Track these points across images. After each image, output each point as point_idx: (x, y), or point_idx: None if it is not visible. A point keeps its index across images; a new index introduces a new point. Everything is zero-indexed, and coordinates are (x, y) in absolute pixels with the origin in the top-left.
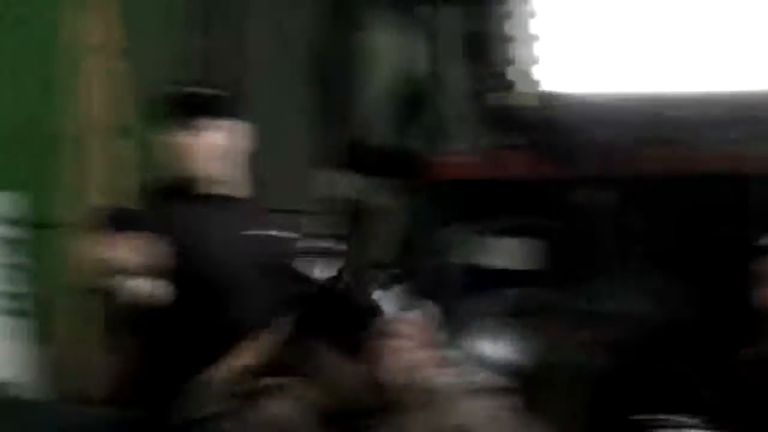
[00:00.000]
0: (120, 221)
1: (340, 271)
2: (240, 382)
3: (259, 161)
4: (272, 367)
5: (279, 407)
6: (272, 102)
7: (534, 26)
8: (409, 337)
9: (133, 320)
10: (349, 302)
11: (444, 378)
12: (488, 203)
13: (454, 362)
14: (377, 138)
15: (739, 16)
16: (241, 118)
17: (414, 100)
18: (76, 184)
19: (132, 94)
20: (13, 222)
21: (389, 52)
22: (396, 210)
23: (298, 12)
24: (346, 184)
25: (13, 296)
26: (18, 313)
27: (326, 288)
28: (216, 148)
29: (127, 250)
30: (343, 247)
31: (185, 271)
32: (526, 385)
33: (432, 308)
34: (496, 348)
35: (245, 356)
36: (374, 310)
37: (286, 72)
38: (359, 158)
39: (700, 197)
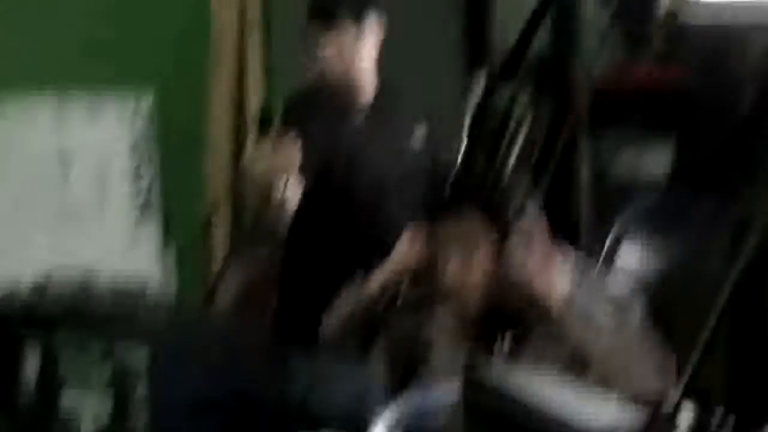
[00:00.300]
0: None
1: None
2: (371, 306)
3: (399, 64)
4: (419, 276)
5: (411, 324)
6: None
7: None
8: (543, 242)
9: (271, 231)
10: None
11: (576, 288)
12: (626, 115)
13: (579, 277)
14: (520, 43)
15: None
16: (376, 14)
17: (554, 5)
18: (214, 84)
19: None
20: (148, 122)
21: None
22: (532, 117)
23: None
24: (482, 88)
25: (147, 200)
26: (147, 212)
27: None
28: (356, 48)
29: (277, 156)
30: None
31: (330, 186)
32: (662, 298)
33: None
34: (631, 257)
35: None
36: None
37: None
38: (497, 62)
39: None
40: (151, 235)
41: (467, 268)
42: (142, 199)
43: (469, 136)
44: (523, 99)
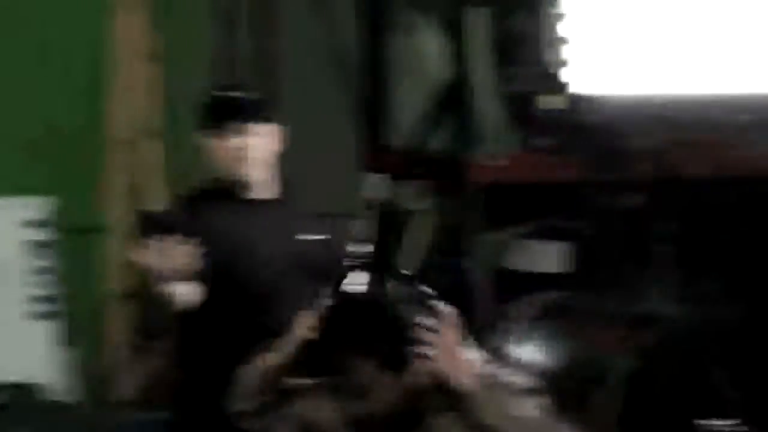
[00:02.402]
0: (155, 226)
1: (377, 278)
2: (272, 380)
3: (297, 164)
4: (304, 366)
5: (311, 408)
6: (303, 104)
7: (562, 28)
8: (445, 338)
9: (167, 324)
10: (386, 312)
11: (479, 378)
12: (521, 206)
13: (486, 362)
14: (409, 141)
15: None
16: (276, 121)
17: (447, 103)
18: (109, 188)
19: (166, 99)
20: (45, 225)
21: (424, 54)
22: (430, 213)
23: (332, 15)
24: (382, 188)
25: (44, 299)
26: (49, 316)
27: (363, 295)
28: (255, 151)
29: (162, 255)
30: (378, 251)
31: (225, 275)
32: (557, 388)
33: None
34: (528, 351)
35: (278, 354)
36: (409, 320)
37: (318, 75)
38: (391, 161)
39: (731, 199)
40: (49, 332)
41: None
42: (40, 297)
43: (368, 232)
44: (420, 195)
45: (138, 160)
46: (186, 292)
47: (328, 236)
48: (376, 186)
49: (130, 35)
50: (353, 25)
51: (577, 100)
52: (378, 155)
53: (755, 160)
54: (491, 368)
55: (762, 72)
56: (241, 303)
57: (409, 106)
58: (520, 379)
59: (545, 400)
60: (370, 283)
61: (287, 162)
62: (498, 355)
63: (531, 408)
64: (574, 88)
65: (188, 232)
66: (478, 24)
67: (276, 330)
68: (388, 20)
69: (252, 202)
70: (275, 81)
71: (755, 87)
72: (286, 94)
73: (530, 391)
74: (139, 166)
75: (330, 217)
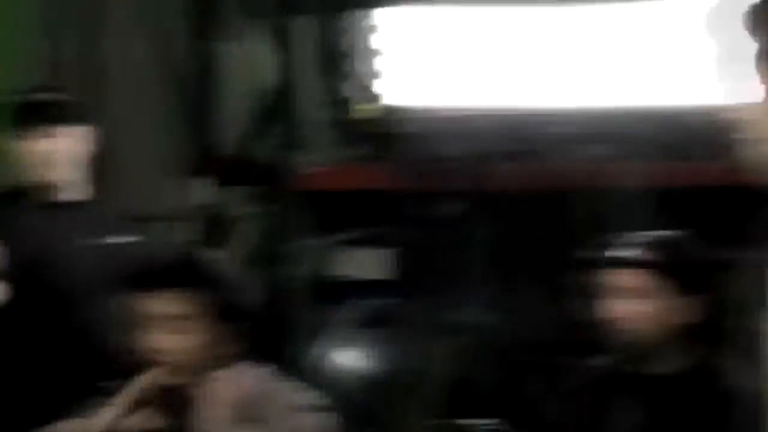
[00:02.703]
0: None
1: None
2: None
3: (115, 167)
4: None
5: None
6: (129, 108)
7: (376, 40)
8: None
9: None
10: None
11: (266, 395)
12: (342, 214)
13: (274, 380)
14: (235, 147)
15: (599, 32)
16: (88, 123)
17: (269, 111)
18: None
19: None
20: None
21: (246, 61)
22: (251, 219)
23: (157, 19)
24: (203, 193)
25: None
26: None
27: None
28: (63, 154)
29: None
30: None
31: (30, 277)
32: (376, 395)
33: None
34: (347, 358)
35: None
36: None
37: (145, 79)
38: (216, 167)
39: (548, 211)
40: None
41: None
42: None
43: (191, 236)
44: (243, 201)
45: None
46: None
47: (140, 238)
48: (202, 191)
49: None
50: (182, 31)
51: (390, 111)
52: (205, 161)
53: (568, 172)
54: (273, 385)
55: (581, 85)
56: (47, 304)
57: (236, 112)
58: (303, 396)
59: (330, 418)
60: None
61: (111, 165)
62: (316, 363)
63: (312, 425)
64: (388, 99)
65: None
66: (304, 33)
67: (82, 331)
68: (216, 26)
69: (58, 204)
70: (102, 85)
71: (572, 101)
72: (112, 98)
73: (313, 408)
74: None
75: (145, 220)
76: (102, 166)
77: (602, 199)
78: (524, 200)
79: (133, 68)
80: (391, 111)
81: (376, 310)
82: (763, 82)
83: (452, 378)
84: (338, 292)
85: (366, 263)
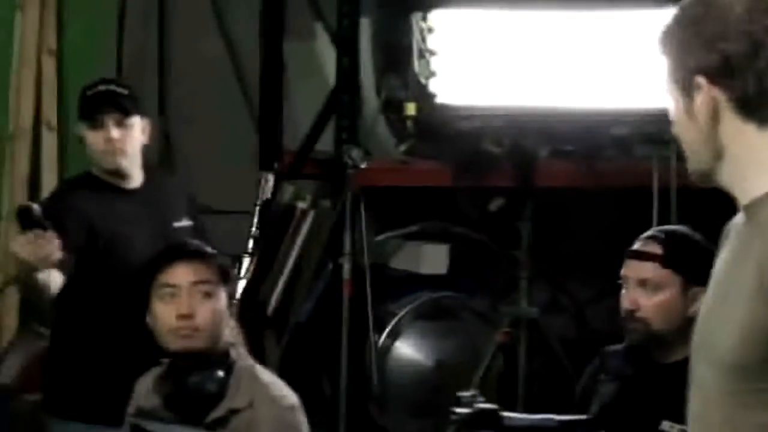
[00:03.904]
0: (31, 217)
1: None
2: None
3: (186, 159)
4: None
5: None
6: (201, 104)
7: (433, 41)
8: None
9: (42, 311)
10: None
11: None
12: (401, 210)
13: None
14: (304, 143)
15: (634, 35)
16: (148, 114)
17: (333, 108)
18: (7, 179)
19: (59, 93)
20: None
21: (312, 60)
22: (316, 214)
23: (232, 19)
24: (274, 187)
25: None
26: None
27: None
28: (134, 142)
29: (34, 246)
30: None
31: (102, 260)
32: (435, 387)
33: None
34: (407, 350)
35: None
36: None
37: (216, 76)
38: (283, 162)
39: (600, 209)
40: None
41: None
42: None
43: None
44: (307, 196)
45: (36, 152)
46: (59, 281)
47: (197, 222)
48: (267, 184)
49: (34, 30)
50: (252, 30)
51: (446, 109)
52: (273, 155)
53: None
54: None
55: (626, 87)
56: (116, 289)
57: (303, 109)
58: (290, 394)
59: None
60: None
61: (181, 157)
62: (378, 355)
63: (299, 422)
64: (443, 98)
65: (61, 223)
66: (365, 33)
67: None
68: (284, 26)
69: (126, 191)
70: (175, 81)
71: (619, 101)
72: (187, 94)
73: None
74: (37, 157)
75: (215, 212)
76: (170, 157)
77: (648, 198)
78: (573, 196)
79: (205, 65)
80: (446, 110)
81: (434, 302)
82: (672, 100)
83: (506, 370)
84: (398, 285)
85: (424, 258)
